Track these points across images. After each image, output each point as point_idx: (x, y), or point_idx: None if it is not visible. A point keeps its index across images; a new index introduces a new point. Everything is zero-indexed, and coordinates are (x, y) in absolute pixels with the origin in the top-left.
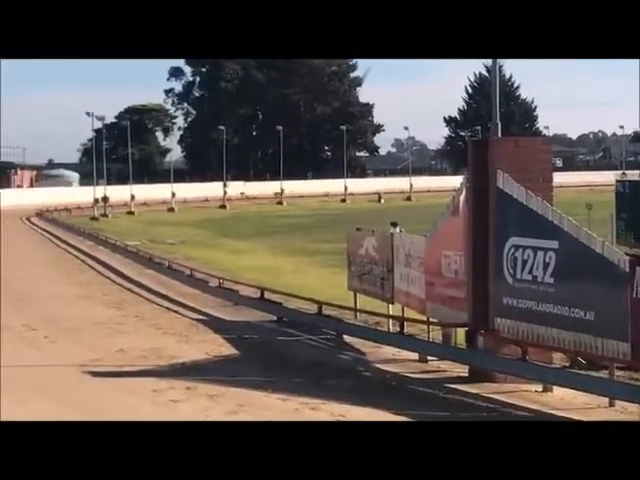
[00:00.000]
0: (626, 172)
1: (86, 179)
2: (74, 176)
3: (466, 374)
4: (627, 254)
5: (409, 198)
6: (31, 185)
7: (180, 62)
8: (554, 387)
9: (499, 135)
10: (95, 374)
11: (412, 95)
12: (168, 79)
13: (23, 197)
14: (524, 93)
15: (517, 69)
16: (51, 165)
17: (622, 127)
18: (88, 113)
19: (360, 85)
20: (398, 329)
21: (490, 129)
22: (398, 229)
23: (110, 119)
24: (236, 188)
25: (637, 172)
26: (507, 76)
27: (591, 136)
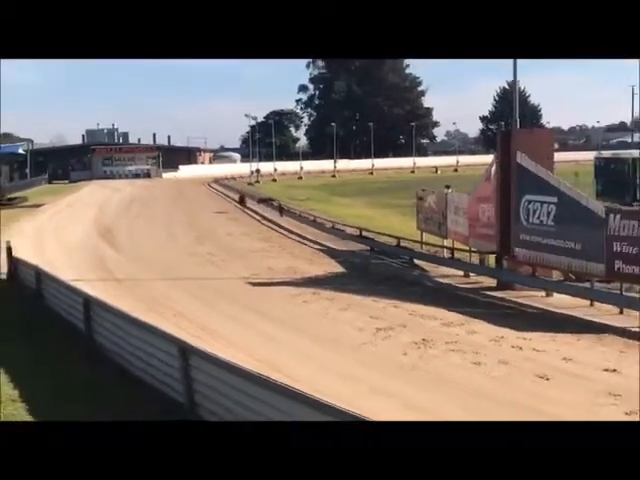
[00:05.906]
0: (601, 152)
1: (245, 158)
2: (237, 156)
3: (495, 285)
4: (604, 206)
5: (456, 170)
6: (210, 162)
7: (305, 80)
8: (554, 293)
9: (518, 127)
10: (254, 284)
11: (458, 101)
12: (297, 92)
13: (205, 170)
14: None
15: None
16: (222, 149)
17: (598, 122)
18: (247, 115)
19: (424, 95)
20: (450, 255)
21: (511, 124)
22: (450, 190)
23: (260, 119)
24: (344, 164)
25: (609, 152)
26: (522, 88)
27: (577, 128)
